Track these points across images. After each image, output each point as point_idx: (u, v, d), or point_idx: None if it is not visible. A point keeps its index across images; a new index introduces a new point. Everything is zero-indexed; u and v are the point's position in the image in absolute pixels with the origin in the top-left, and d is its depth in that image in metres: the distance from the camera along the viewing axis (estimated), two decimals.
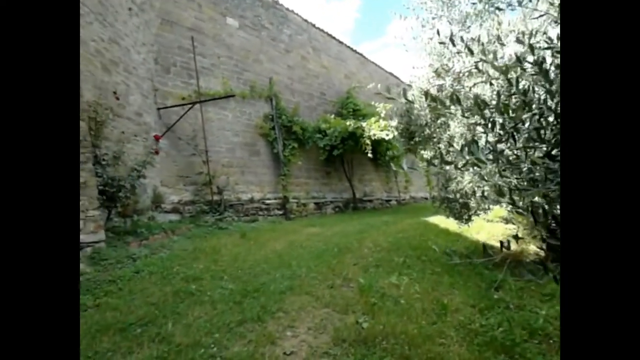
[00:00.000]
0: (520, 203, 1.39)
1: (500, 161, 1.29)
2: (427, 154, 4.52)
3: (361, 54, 14.59)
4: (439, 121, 4.26)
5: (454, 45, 1.65)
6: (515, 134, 1.37)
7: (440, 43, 1.71)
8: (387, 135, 9.20)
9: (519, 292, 3.18)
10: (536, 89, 1.46)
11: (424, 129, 4.46)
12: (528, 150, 1.36)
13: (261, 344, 2.21)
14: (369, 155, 9.74)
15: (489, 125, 1.32)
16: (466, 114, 1.46)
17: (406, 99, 1.51)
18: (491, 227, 6.53)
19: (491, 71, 3.66)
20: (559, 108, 1.27)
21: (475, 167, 1.52)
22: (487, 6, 3.22)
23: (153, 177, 6.70)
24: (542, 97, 1.42)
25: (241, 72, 9.24)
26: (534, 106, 1.33)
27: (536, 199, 1.72)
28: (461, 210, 4.64)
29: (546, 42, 1.64)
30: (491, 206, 4.50)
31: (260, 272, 3.72)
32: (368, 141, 9.61)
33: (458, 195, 3.58)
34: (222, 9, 9.00)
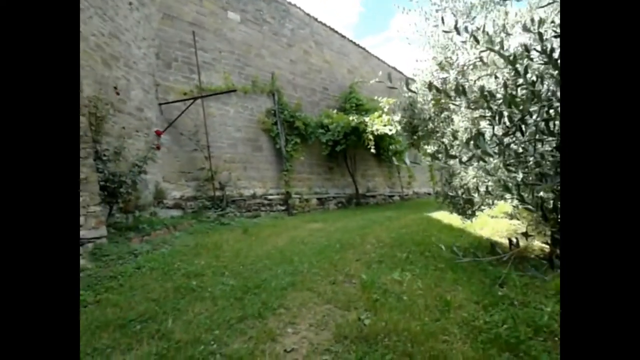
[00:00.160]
0: (528, 199, 1.34)
1: (507, 154, 1.24)
2: (430, 148, 4.46)
3: (364, 48, 14.48)
4: (442, 115, 4.20)
5: (459, 34, 1.60)
6: (522, 126, 1.32)
7: (445, 32, 1.65)
8: (390, 130, 9.13)
9: (523, 288, 3.13)
10: (545, 79, 1.40)
11: (427, 123, 4.40)
12: (536, 143, 1.31)
13: (261, 341, 2.18)
14: (372, 150, 9.68)
15: (496, 117, 1.27)
16: (471, 106, 1.41)
17: (408, 89, 1.46)
18: (495, 222, 6.48)
19: (496, 63, 3.60)
20: None
21: (480, 162, 1.47)
22: None
23: (155, 173, 6.68)
24: (551, 88, 1.36)
25: (243, 66, 9.18)
26: (542, 96, 1.27)
27: (541, 194, 1.68)
28: (465, 205, 4.59)
29: (554, 31, 1.58)
30: (495, 202, 4.44)
31: (261, 268, 3.69)
32: (371, 136, 9.55)
33: (462, 191, 3.53)
34: (224, 3, 8.93)
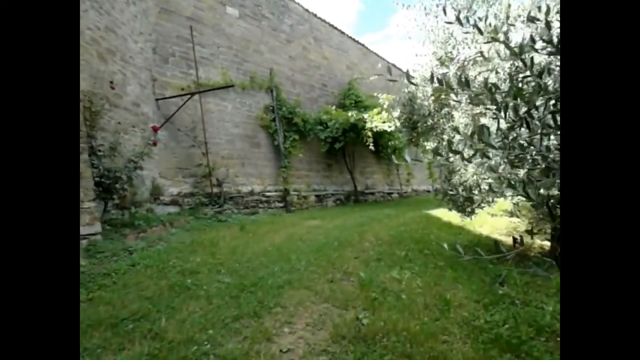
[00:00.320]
0: (534, 195, 1.29)
1: (513, 148, 1.19)
2: (430, 145, 4.41)
3: (363, 45, 14.38)
4: (442, 111, 4.14)
5: (461, 25, 1.53)
6: (528, 119, 1.26)
7: (447, 23, 1.59)
8: (390, 127, 9.07)
9: (524, 287, 3.09)
10: (552, 71, 1.34)
11: (427, 119, 4.34)
12: (542, 137, 1.25)
13: (257, 341, 2.12)
14: (371, 147, 9.63)
15: (501, 110, 1.21)
16: (474, 100, 1.35)
17: (410, 82, 1.40)
18: (494, 220, 6.44)
19: (496, 59, 3.53)
20: None
21: (484, 157, 1.41)
22: None
23: (151, 169, 6.61)
24: (558, 80, 1.30)
25: (241, 62, 9.09)
26: (549, 89, 1.21)
27: (547, 190, 1.62)
28: (464, 203, 4.54)
29: (559, 21, 1.52)
30: (495, 199, 4.39)
31: (258, 265, 3.64)
32: (369, 133, 9.49)
33: (462, 188, 3.47)
34: None
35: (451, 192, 3.54)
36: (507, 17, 1.74)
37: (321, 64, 11.88)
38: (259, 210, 8.46)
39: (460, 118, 3.60)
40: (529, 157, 1.36)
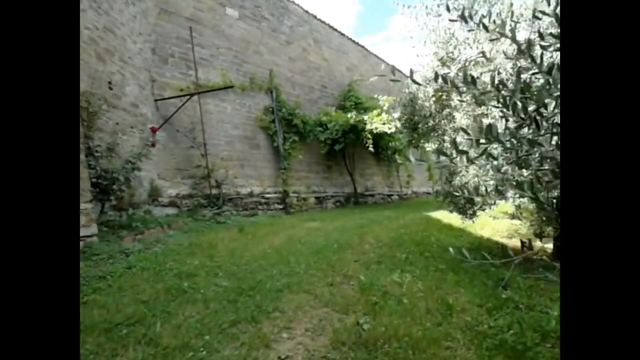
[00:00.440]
0: (543, 197, 1.23)
1: (521, 146, 1.13)
2: (431, 146, 4.35)
3: (363, 47, 14.36)
4: (444, 112, 4.09)
5: (466, 22, 1.48)
6: (537, 118, 1.21)
7: (451, 20, 1.55)
8: (390, 129, 9.03)
9: (527, 291, 3.03)
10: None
11: (427, 120, 4.29)
12: (552, 135, 1.20)
13: (254, 347, 2.06)
14: (370, 149, 9.58)
15: (509, 108, 1.16)
16: (480, 99, 1.30)
17: (413, 80, 1.35)
18: (495, 222, 6.38)
19: (498, 59, 3.49)
20: None
21: (489, 158, 1.36)
22: None
23: (150, 170, 6.55)
24: None
25: (241, 63, 9.05)
26: (559, 85, 1.16)
27: (557, 192, 1.56)
28: (465, 205, 4.48)
29: None
30: (497, 201, 4.33)
31: (257, 268, 3.57)
32: (369, 135, 9.45)
33: (465, 190, 3.42)
34: None
35: (456, 194, 3.48)
36: (512, 14, 1.70)
37: (321, 66, 11.84)
38: (258, 212, 8.40)
39: (462, 119, 3.55)
40: (537, 156, 1.31)
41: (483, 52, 3.51)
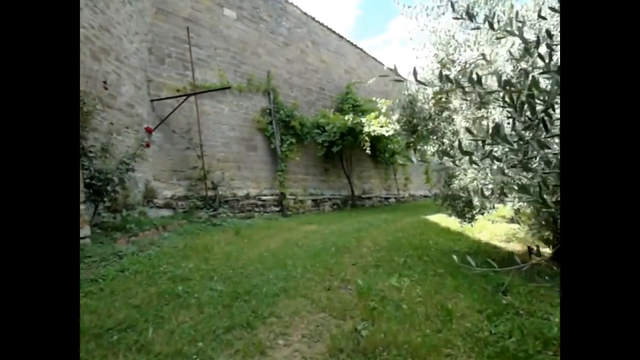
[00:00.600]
0: (551, 202, 1.18)
1: (529, 148, 1.08)
2: (429, 148, 4.31)
3: (361, 49, 14.34)
4: (443, 114, 4.05)
5: (471, 20, 1.44)
6: (546, 119, 1.16)
7: (456, 18, 1.51)
8: (387, 131, 9.00)
9: (527, 296, 2.99)
10: None
11: (427, 122, 4.24)
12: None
13: (249, 354, 2.00)
14: (368, 151, 9.55)
15: (517, 108, 1.11)
16: (485, 98, 1.25)
17: (417, 80, 1.30)
18: (493, 226, 6.35)
19: (499, 62, 3.45)
20: None
21: (494, 160, 1.31)
22: None
23: (145, 171, 6.47)
24: None
25: (238, 64, 8.99)
26: None
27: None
28: (464, 208, 4.44)
29: None
30: (496, 205, 4.29)
31: (253, 272, 3.51)
32: (367, 137, 9.42)
33: (467, 192, 3.38)
34: None
35: (461, 195, 3.44)
36: (517, 14, 1.66)
37: (319, 68, 11.81)
38: (255, 215, 8.32)
39: (462, 122, 3.51)
40: (542, 159, 1.27)
41: (483, 55, 3.48)
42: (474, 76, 1.22)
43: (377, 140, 9.88)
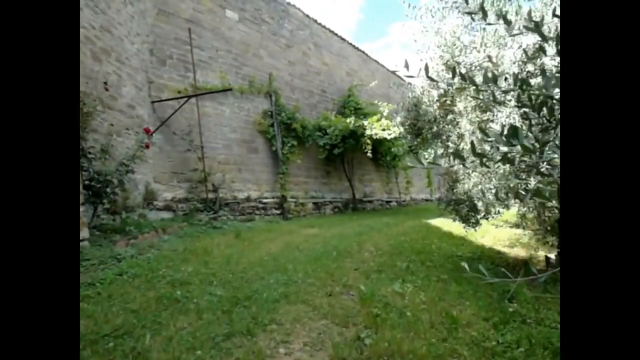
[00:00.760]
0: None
1: (546, 151, 1.03)
2: (431, 152, 4.25)
3: (363, 52, 14.30)
4: (448, 117, 3.99)
5: (485, 16, 1.39)
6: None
7: (467, 13, 1.46)
8: (389, 135, 8.95)
9: (534, 304, 2.92)
10: None
11: (432, 125, 4.18)
12: None
13: None
14: (369, 155, 9.49)
15: (534, 108, 1.05)
16: (499, 97, 1.19)
17: (428, 77, 1.24)
18: (496, 231, 6.27)
19: (506, 64, 3.39)
20: None
21: (506, 163, 1.25)
22: None
23: (145, 173, 6.42)
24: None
25: (240, 66, 8.96)
26: None
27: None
28: (469, 213, 4.37)
29: None
30: (501, 209, 4.22)
31: (253, 276, 3.44)
32: (368, 140, 9.37)
33: (472, 197, 3.31)
34: (222, 1, 8.71)
35: (462, 200, 3.37)
36: (530, 12, 1.60)
37: (321, 70, 11.77)
38: (256, 217, 8.26)
39: (467, 125, 3.45)
40: (549, 162, 1.21)
41: (489, 57, 3.43)
42: (493, 74, 1.16)
43: (378, 144, 9.82)
